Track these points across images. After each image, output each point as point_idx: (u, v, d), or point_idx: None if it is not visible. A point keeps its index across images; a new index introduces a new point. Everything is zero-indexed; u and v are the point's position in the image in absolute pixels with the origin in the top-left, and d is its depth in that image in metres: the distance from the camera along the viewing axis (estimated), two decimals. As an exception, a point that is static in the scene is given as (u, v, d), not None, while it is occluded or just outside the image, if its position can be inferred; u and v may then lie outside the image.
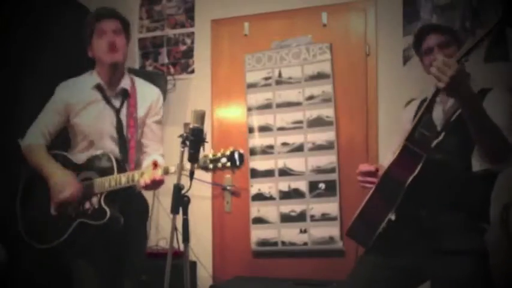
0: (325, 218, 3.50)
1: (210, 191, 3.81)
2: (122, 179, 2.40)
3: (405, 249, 2.13)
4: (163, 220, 3.82)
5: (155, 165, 2.32)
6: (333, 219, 3.48)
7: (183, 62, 4.00)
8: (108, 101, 2.57)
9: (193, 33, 3.99)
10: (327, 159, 3.54)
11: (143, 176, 2.33)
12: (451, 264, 2.04)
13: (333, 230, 3.47)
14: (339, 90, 3.57)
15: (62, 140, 2.67)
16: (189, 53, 3.99)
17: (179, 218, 1.95)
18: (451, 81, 1.82)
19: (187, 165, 2.00)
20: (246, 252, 3.70)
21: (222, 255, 3.79)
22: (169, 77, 3.96)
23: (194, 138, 1.97)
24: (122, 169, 2.46)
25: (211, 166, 2.07)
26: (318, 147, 3.57)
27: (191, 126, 1.98)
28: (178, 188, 1.95)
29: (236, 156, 2.05)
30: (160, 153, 2.66)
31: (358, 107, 3.55)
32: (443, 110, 2.19)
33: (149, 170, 2.33)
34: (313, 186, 3.55)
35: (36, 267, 3.33)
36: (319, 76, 3.59)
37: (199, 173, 2.20)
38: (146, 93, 2.65)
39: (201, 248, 3.72)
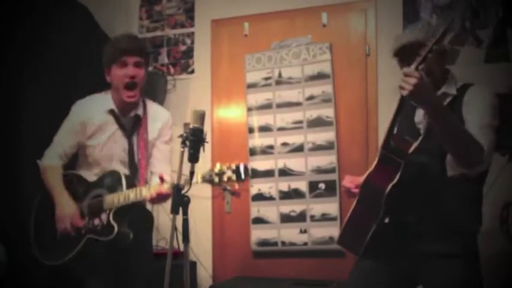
0: (325, 218, 3.50)
1: (210, 191, 3.80)
2: (130, 195, 2.44)
3: (396, 254, 2.13)
4: (163, 220, 3.82)
5: (162, 179, 2.35)
6: (333, 219, 3.48)
7: (183, 62, 4.00)
8: (120, 126, 2.63)
9: (193, 33, 3.99)
10: (327, 159, 3.53)
11: (149, 190, 2.37)
12: (441, 268, 2.04)
13: (333, 230, 3.47)
14: (339, 90, 3.57)
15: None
16: (189, 53, 3.99)
17: (179, 218, 1.95)
18: (414, 89, 1.86)
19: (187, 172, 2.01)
20: (246, 252, 3.69)
21: (222, 256, 3.79)
22: (169, 77, 3.95)
23: (194, 138, 1.97)
24: (131, 186, 2.50)
25: (216, 180, 2.09)
26: (318, 147, 3.56)
27: (191, 126, 1.99)
28: (178, 188, 1.95)
29: (241, 169, 2.06)
30: (168, 173, 2.66)
31: (358, 107, 3.55)
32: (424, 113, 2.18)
33: (156, 184, 2.37)
34: (313, 186, 3.55)
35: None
36: (319, 76, 3.59)
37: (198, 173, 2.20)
38: (157, 117, 2.71)
39: (201, 248, 3.72)
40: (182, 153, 2.01)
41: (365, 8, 3.58)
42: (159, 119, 2.70)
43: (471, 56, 3.31)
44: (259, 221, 3.66)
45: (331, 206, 3.49)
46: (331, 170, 3.52)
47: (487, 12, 3.31)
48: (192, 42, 3.99)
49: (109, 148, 2.61)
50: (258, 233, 3.65)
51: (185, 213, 1.96)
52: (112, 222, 2.47)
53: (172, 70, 4.01)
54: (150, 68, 4.04)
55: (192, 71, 3.98)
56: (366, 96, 3.53)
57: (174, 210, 1.93)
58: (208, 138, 2.04)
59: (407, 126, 2.17)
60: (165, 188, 2.34)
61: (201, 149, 2.00)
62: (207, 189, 3.78)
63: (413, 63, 1.91)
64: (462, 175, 2.00)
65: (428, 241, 2.06)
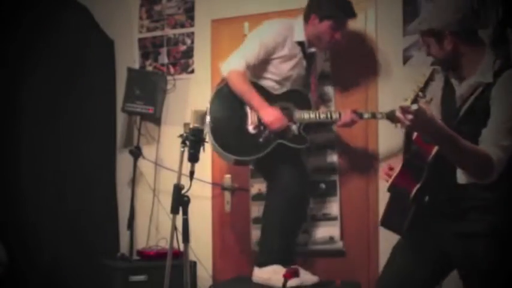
0: (325, 218, 3.50)
1: (210, 191, 3.80)
2: (321, 115, 3.02)
3: (434, 234, 2.17)
4: (163, 220, 3.82)
5: (355, 112, 3.04)
6: (333, 219, 3.48)
7: (183, 62, 4.00)
8: (305, 56, 3.13)
9: (193, 33, 3.99)
10: (327, 159, 3.53)
11: (343, 115, 3.04)
12: (471, 247, 2.07)
13: (333, 230, 3.47)
14: (339, 90, 3.56)
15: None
16: (189, 53, 3.99)
17: (179, 218, 1.95)
18: (412, 124, 1.91)
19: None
20: (246, 252, 3.69)
21: (222, 255, 3.79)
22: (169, 77, 3.96)
23: (194, 138, 1.98)
24: (314, 106, 3.08)
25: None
26: (318, 147, 3.56)
27: (191, 126, 1.99)
28: (178, 188, 1.96)
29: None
30: None
31: (358, 107, 3.54)
32: (461, 94, 2.16)
33: (348, 112, 3.05)
34: (313, 186, 3.54)
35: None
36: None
37: (198, 173, 2.21)
38: None
39: (201, 248, 3.72)
40: (182, 153, 2.02)
41: (365, 8, 3.56)
42: None
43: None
44: (259, 221, 3.64)
45: (331, 206, 3.49)
46: (331, 170, 3.52)
47: (487, 12, 3.30)
48: (192, 42, 3.99)
49: (293, 72, 3.09)
50: (258, 233, 3.64)
51: (185, 213, 1.97)
52: (303, 134, 3.01)
53: (172, 70, 4.01)
54: (150, 68, 4.05)
55: (192, 71, 3.98)
56: (366, 96, 3.52)
57: (174, 210, 1.94)
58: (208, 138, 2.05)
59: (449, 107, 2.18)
60: (358, 117, 3.05)
61: (201, 148, 2.01)
62: (207, 189, 3.78)
63: (409, 98, 1.90)
64: (474, 183, 2.04)
65: (461, 220, 2.09)
